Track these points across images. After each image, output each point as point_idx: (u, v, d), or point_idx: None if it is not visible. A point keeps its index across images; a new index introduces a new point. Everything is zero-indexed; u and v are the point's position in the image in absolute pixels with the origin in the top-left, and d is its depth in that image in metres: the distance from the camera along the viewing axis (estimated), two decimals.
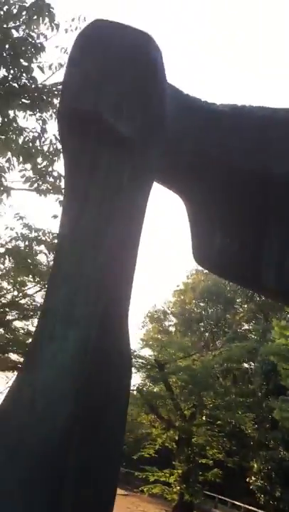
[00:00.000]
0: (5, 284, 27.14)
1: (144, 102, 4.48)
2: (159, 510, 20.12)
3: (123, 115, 4.28)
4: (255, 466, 22.20)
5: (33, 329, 29.07)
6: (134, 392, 24.42)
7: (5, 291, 27.49)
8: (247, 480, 22.86)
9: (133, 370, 23.58)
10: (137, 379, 24.19)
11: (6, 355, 26.91)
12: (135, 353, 22.86)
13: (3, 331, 26.07)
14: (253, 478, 22.43)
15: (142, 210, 4.67)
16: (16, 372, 32.69)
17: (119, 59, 4.38)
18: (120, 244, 4.28)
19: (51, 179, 9.48)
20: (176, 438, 21.60)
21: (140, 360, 22.91)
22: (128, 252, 4.43)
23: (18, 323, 29.03)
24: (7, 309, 25.81)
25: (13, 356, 28.44)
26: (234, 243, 6.18)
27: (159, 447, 22.53)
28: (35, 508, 3.29)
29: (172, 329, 31.44)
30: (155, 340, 24.18)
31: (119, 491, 24.82)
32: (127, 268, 4.44)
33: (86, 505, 3.66)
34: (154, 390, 24.27)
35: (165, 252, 67.26)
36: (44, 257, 25.87)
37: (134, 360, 22.61)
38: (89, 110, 4.24)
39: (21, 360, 29.93)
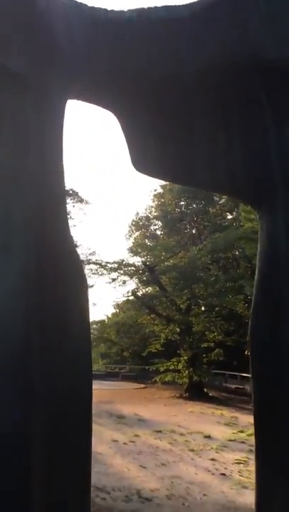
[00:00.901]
0: None
1: (31, 36, 4.53)
2: (173, 394, 22.28)
3: (13, 52, 4.40)
4: None
5: None
6: (131, 298, 25.95)
7: None
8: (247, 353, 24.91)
9: (126, 277, 24.91)
10: (131, 285, 25.55)
11: None
12: (124, 262, 23.97)
13: None
14: None
15: (57, 137, 4.89)
16: None
17: None
18: (42, 173, 4.52)
19: None
20: (178, 330, 23.32)
21: (130, 268, 24.05)
22: (52, 176, 4.70)
23: None
24: None
25: None
26: (166, 147, 6.51)
27: (163, 341, 24.46)
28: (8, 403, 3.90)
29: (159, 233, 32.30)
30: (142, 247, 25.06)
31: (138, 385, 27.35)
32: (55, 193, 4.76)
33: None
34: (149, 292, 25.65)
35: None
36: None
37: (124, 268, 23.73)
38: None
39: None
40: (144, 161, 6.58)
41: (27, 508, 3.70)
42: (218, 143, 6.18)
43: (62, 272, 4.60)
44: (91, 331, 20.68)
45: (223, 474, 8.03)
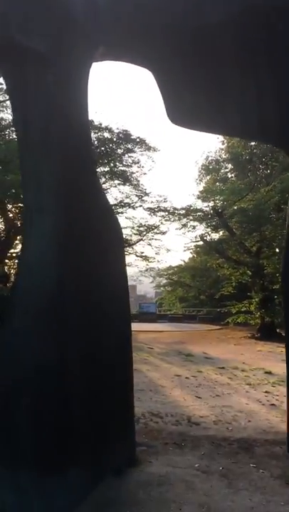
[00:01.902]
0: None
1: (49, 14, 4.83)
2: (245, 335, 22.86)
3: (33, 33, 4.82)
4: None
5: None
6: (200, 243, 26.30)
7: None
8: None
9: (195, 223, 25.19)
10: (201, 231, 25.87)
11: None
12: (192, 208, 24.22)
13: None
14: None
15: (81, 102, 5.35)
16: None
17: None
18: (67, 137, 4.91)
19: None
20: (249, 273, 23.53)
21: (199, 213, 24.29)
22: (77, 139, 5.18)
23: None
24: None
25: None
26: (198, 98, 6.74)
27: (235, 284, 24.84)
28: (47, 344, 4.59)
29: (230, 175, 31.77)
30: (209, 192, 24.99)
31: (213, 327, 28.16)
32: (82, 154, 5.28)
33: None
34: (218, 237, 25.82)
35: None
36: None
37: (193, 214, 24.00)
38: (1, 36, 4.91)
39: None
40: (179, 113, 6.82)
41: (66, 450, 4.38)
42: (249, 90, 6.30)
43: (94, 224, 5.16)
44: (167, 276, 21.83)
45: (273, 405, 8.58)
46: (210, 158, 32.24)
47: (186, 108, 6.79)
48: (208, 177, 31.62)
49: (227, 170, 31.77)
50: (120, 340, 5.48)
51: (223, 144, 30.82)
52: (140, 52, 6.33)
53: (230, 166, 31.60)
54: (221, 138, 30.80)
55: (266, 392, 9.64)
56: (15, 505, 4.08)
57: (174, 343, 19.85)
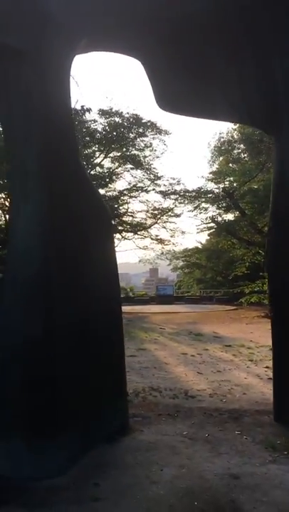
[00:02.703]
0: None
1: (27, 10, 5.03)
2: (259, 314, 23.05)
3: (11, 30, 5.03)
4: None
5: (110, 194, 31.27)
6: (211, 224, 26.46)
7: None
8: None
9: (206, 204, 25.34)
10: (211, 212, 26.00)
11: None
12: (202, 190, 24.36)
13: None
14: None
15: (62, 94, 5.54)
16: None
17: None
18: (49, 126, 5.11)
19: None
20: (262, 252, 23.64)
21: (209, 195, 24.42)
22: (60, 127, 5.32)
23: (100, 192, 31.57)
24: None
25: None
26: (185, 84, 6.97)
27: (248, 264, 24.99)
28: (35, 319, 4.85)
29: (243, 156, 31.67)
30: (219, 174, 25.07)
31: (229, 307, 28.43)
32: (66, 143, 5.55)
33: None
34: (229, 219, 25.92)
35: None
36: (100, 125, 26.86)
37: (204, 196, 24.13)
38: None
39: None
40: (167, 99, 7.05)
41: (56, 417, 4.74)
42: (232, 75, 6.49)
43: (80, 208, 5.45)
44: (184, 258, 22.23)
45: (270, 378, 8.80)
46: (222, 140, 32.12)
47: (173, 94, 7.01)
48: (220, 158, 31.59)
49: (239, 150, 31.66)
50: (110, 317, 5.82)
51: (235, 124, 30.66)
52: (125, 42, 6.54)
53: (242, 146, 31.50)
54: None
55: (266, 367, 9.91)
56: (6, 468, 4.51)
57: (187, 323, 20.20)
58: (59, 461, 4.63)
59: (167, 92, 6.97)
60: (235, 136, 30.78)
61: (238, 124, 30.62)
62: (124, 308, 29.83)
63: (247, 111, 6.61)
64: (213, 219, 25.47)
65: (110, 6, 6.03)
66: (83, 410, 5.05)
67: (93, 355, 5.32)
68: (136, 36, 6.50)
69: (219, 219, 26.13)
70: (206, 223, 26.89)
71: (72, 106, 9.53)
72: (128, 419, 6.09)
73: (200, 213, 25.30)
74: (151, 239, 34.87)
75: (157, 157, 30.68)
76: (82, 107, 8.94)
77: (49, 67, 5.16)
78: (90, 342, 5.28)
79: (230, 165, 30.30)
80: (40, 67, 5.06)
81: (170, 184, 29.89)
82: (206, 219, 26.05)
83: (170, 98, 7.04)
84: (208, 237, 39.37)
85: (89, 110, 9.01)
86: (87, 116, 30.29)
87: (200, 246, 41.10)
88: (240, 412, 6.73)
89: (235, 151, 31.74)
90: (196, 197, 24.11)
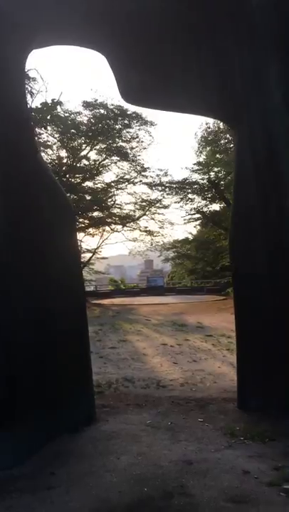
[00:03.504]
0: (63, 153, 29.16)
1: None
2: None
3: None
4: None
5: (97, 187, 31.33)
6: (196, 215, 26.54)
7: (65, 159, 29.63)
8: None
9: (193, 195, 25.36)
10: (197, 203, 26.07)
11: (77, 217, 30.03)
12: (187, 181, 24.40)
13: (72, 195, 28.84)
14: None
15: (17, 88, 5.59)
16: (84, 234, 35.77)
17: None
18: (3, 122, 5.16)
19: None
20: None
21: (195, 186, 24.48)
22: (16, 127, 5.37)
23: (87, 184, 31.52)
24: (68, 175, 28.22)
25: (81, 220, 31.59)
26: (147, 78, 7.00)
27: None
28: None
29: (230, 146, 31.64)
30: (206, 164, 25.08)
31: (218, 298, 28.57)
32: (23, 138, 5.57)
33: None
34: (215, 209, 26.00)
35: None
36: (84, 117, 26.87)
37: (188, 187, 24.16)
38: None
39: (87, 223, 33.00)
40: (130, 92, 7.08)
41: (13, 409, 4.82)
42: (192, 70, 6.54)
43: (38, 200, 5.51)
44: (174, 249, 22.41)
45: None
46: (209, 130, 32.06)
47: (136, 87, 7.03)
48: (207, 148, 31.55)
49: (226, 141, 31.62)
50: (73, 309, 5.89)
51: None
52: (83, 36, 6.57)
53: (229, 136, 31.46)
54: None
55: None
56: None
57: (173, 314, 20.35)
58: (16, 452, 4.72)
59: (129, 85, 6.99)
60: (222, 126, 30.75)
61: None
62: (114, 301, 30.09)
63: (207, 105, 6.66)
64: (198, 210, 25.54)
65: (65, 1, 6.07)
66: (44, 402, 5.15)
67: (54, 347, 5.40)
68: (93, 30, 6.53)
69: (205, 209, 26.21)
70: (192, 214, 26.96)
71: (57, 98, 9.57)
72: (94, 410, 6.19)
73: (186, 204, 25.37)
74: (140, 231, 34.97)
75: (144, 148, 30.71)
76: (52, 100, 8.87)
77: (2, 66, 5.19)
78: (50, 334, 5.36)
79: (218, 155, 30.34)
80: None
81: (157, 176, 30.02)
82: (191, 210, 26.12)
83: (133, 91, 7.05)
84: (199, 228, 39.57)
85: (60, 103, 8.93)
86: (72, 108, 30.30)
87: (190, 237, 41.25)
88: (207, 400, 6.85)
89: (222, 141, 31.73)
90: (181, 188, 24.14)
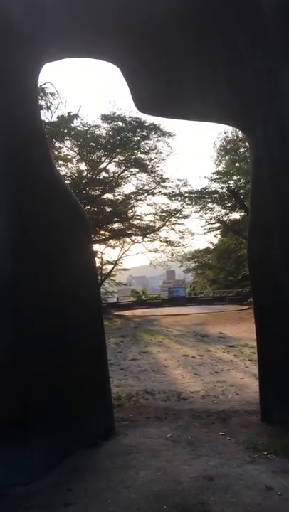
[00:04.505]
0: (82, 166, 29.43)
1: None
2: None
3: None
4: None
5: (117, 198, 31.50)
6: (217, 224, 26.31)
7: (85, 172, 29.87)
8: None
9: (212, 205, 25.19)
10: (219, 213, 25.87)
11: (97, 229, 30.15)
12: (206, 190, 24.25)
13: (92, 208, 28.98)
14: None
15: (30, 104, 5.59)
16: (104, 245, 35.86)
17: None
18: (17, 134, 5.13)
19: None
20: None
21: (214, 195, 24.32)
22: (30, 140, 5.35)
23: (106, 196, 31.67)
24: (87, 187, 28.41)
25: (101, 232, 31.70)
26: (161, 87, 6.97)
27: None
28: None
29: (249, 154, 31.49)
30: (225, 173, 24.94)
31: (241, 307, 28.22)
32: (37, 149, 5.55)
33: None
34: (235, 218, 25.75)
35: None
36: (103, 130, 27.13)
37: (207, 196, 24.01)
38: None
39: (108, 234, 33.11)
40: (145, 102, 7.06)
41: (27, 424, 4.73)
42: (206, 76, 6.48)
43: (52, 210, 5.45)
44: (195, 259, 22.38)
45: None
46: (228, 139, 31.98)
47: (150, 97, 7.02)
48: (226, 157, 31.43)
49: (245, 149, 31.46)
50: (89, 321, 5.82)
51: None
52: (96, 47, 6.58)
53: (247, 144, 31.29)
54: None
55: None
56: None
57: (195, 324, 20.15)
58: (32, 467, 4.65)
59: (144, 95, 6.98)
60: (240, 135, 30.63)
61: None
62: (135, 312, 29.99)
63: (223, 111, 6.59)
64: (218, 219, 25.35)
65: (76, 12, 6.08)
66: (60, 416, 5.07)
67: (70, 361, 5.33)
68: (106, 41, 6.53)
69: (225, 218, 25.99)
70: (212, 223, 26.76)
71: (75, 112, 9.70)
72: (113, 423, 6.10)
73: (206, 214, 25.21)
74: (161, 241, 34.92)
75: (163, 159, 30.77)
76: (69, 113, 8.99)
77: (14, 78, 5.20)
78: (66, 348, 5.29)
79: (237, 164, 30.18)
80: (4, 78, 5.10)
81: (176, 186, 29.98)
82: (211, 219, 25.94)
83: (147, 100, 7.04)
84: (220, 238, 39.32)
85: (76, 116, 9.02)
86: (90, 121, 30.60)
87: (211, 246, 40.97)
88: (229, 413, 6.68)
89: (241, 150, 31.58)
90: (200, 197, 24.02)
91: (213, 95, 6.47)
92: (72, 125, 9.05)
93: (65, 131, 9.29)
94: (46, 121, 6.23)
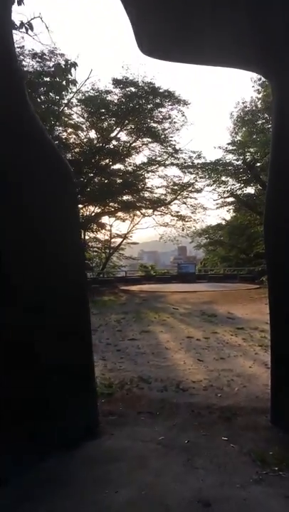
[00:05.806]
0: (92, 134, 28.25)
1: None
2: None
3: None
4: None
5: (127, 169, 30.31)
6: (230, 199, 25.04)
7: (94, 140, 28.67)
8: None
9: (226, 178, 23.87)
10: (230, 186, 24.56)
11: (107, 200, 29.08)
12: (221, 162, 22.94)
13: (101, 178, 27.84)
14: None
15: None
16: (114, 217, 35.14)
17: None
18: None
19: None
20: None
21: (229, 168, 22.99)
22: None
23: (117, 167, 30.53)
24: (97, 156, 27.25)
25: (111, 203, 30.63)
26: (170, 26, 5.87)
27: None
28: None
29: (267, 126, 29.86)
30: (241, 145, 23.52)
31: (252, 286, 27.21)
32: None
33: None
34: (249, 192, 24.47)
35: None
36: (114, 96, 25.87)
37: (222, 168, 22.72)
38: None
39: (117, 207, 32.09)
40: (148, 42, 6.02)
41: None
42: (223, 14, 5.32)
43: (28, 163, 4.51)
44: (207, 235, 21.44)
45: None
46: (246, 109, 30.41)
47: (155, 36, 5.93)
48: (243, 129, 29.90)
49: (264, 121, 29.87)
50: (71, 299, 4.87)
51: (259, 93, 28.94)
52: None
53: (267, 116, 29.70)
54: (256, 87, 28.95)
55: None
56: None
57: (203, 303, 19.21)
58: None
59: (150, 33, 5.90)
60: (259, 106, 29.05)
61: (262, 93, 28.94)
62: (143, 287, 29.20)
63: (240, 53, 5.46)
64: (231, 193, 24.07)
65: None
66: (30, 414, 4.18)
67: (44, 346, 4.41)
68: None
69: (239, 192, 24.66)
70: (225, 197, 25.50)
71: (72, 60, 8.56)
72: (97, 420, 5.21)
73: (219, 187, 23.91)
74: (172, 215, 33.77)
75: (177, 129, 29.32)
76: (66, 61, 7.84)
77: None
78: (38, 332, 4.37)
79: (254, 136, 28.64)
80: None
81: (190, 158, 28.58)
82: (224, 193, 24.65)
83: (153, 40, 5.95)
84: (232, 213, 37.98)
85: (75, 65, 7.89)
86: (101, 86, 29.17)
87: (223, 222, 39.64)
88: (235, 410, 5.75)
89: (259, 122, 30.00)
90: (214, 169, 22.72)
91: (230, 37, 5.33)
92: (70, 76, 7.86)
93: (63, 83, 8.12)
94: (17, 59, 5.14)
